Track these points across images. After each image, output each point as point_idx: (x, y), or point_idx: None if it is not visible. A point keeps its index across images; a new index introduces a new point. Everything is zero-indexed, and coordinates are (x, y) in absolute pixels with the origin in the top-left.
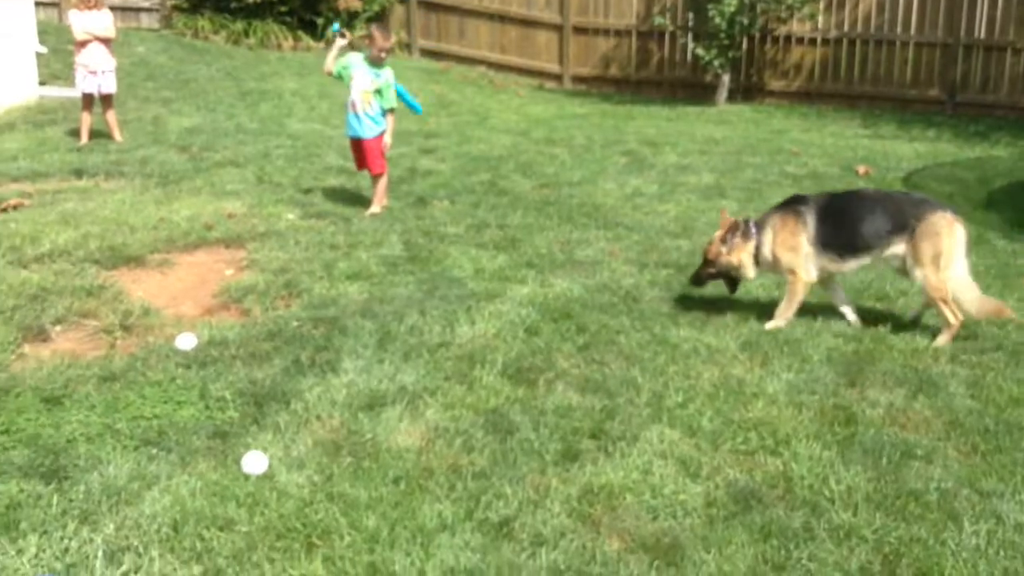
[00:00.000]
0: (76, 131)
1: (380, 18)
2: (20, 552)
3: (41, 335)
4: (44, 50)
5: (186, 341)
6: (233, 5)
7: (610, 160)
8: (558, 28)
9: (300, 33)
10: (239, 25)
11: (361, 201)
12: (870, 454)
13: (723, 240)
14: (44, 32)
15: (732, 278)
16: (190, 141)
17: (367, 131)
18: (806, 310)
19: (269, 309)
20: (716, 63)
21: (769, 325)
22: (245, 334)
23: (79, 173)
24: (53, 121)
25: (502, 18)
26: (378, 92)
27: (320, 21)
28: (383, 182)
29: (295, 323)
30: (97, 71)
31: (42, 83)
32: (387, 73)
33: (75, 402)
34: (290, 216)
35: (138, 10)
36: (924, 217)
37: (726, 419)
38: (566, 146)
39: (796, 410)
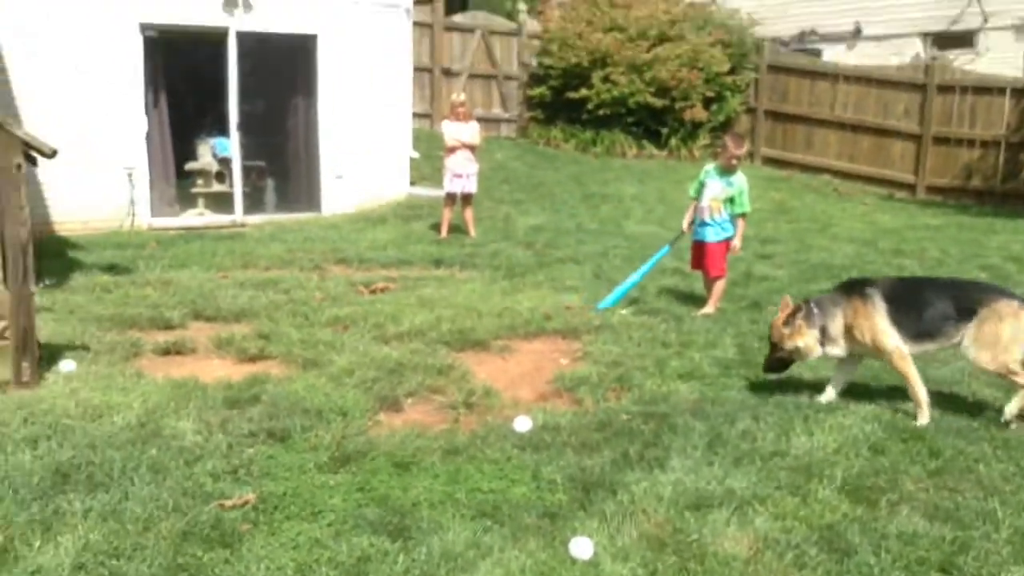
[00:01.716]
0: (438, 226)
1: (724, 128)
2: None
3: (395, 405)
4: (416, 155)
5: (522, 424)
6: (584, 116)
7: (967, 274)
8: (916, 138)
9: (645, 142)
10: (588, 134)
11: (693, 301)
12: None
13: (785, 323)
14: (417, 139)
15: (791, 360)
16: (535, 238)
17: (711, 235)
18: None
19: (600, 400)
20: None
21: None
22: (577, 422)
23: (438, 263)
24: (419, 216)
25: (854, 127)
26: (730, 200)
27: (664, 131)
28: (720, 285)
29: (625, 416)
30: (462, 174)
31: (412, 183)
32: (739, 179)
33: (422, 469)
34: (624, 312)
35: (499, 121)
36: (988, 303)
37: None
38: (916, 258)
39: None
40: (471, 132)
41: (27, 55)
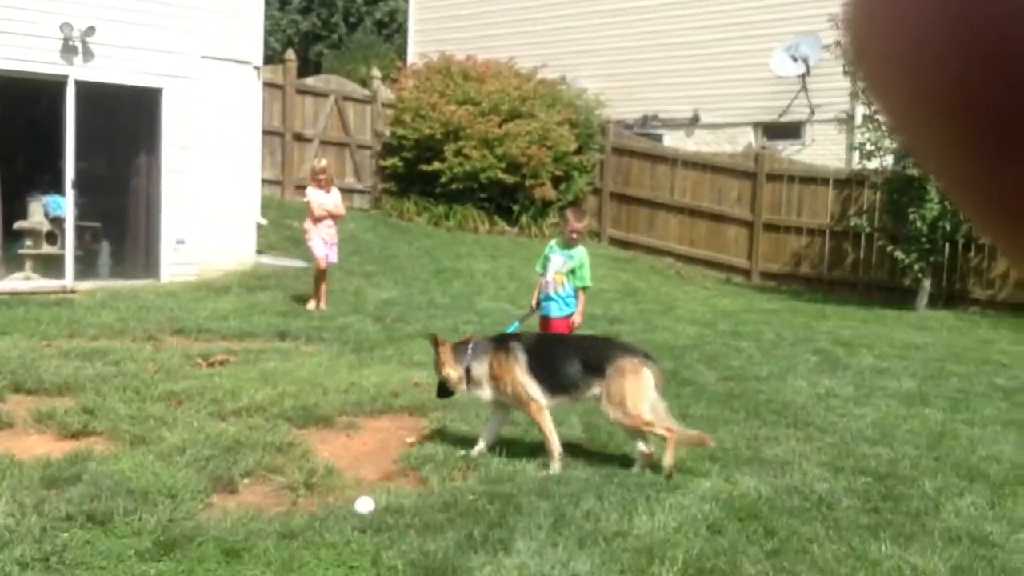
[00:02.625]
0: (305, 298)
1: (576, 206)
2: None
3: (229, 486)
4: (264, 222)
5: (364, 505)
6: (437, 190)
7: (800, 358)
8: (748, 224)
9: (496, 218)
10: (441, 208)
11: None
12: None
13: (440, 354)
14: (266, 206)
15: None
16: (385, 312)
17: (555, 310)
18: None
19: (446, 479)
20: (916, 267)
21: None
22: (421, 503)
23: (283, 335)
24: (265, 287)
25: (692, 212)
26: (571, 272)
27: (515, 208)
28: None
29: (471, 496)
30: (330, 242)
31: (259, 251)
32: (579, 252)
33: (253, 556)
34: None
35: (352, 191)
36: (613, 360)
37: None
38: (754, 340)
39: None
40: (334, 200)
41: None
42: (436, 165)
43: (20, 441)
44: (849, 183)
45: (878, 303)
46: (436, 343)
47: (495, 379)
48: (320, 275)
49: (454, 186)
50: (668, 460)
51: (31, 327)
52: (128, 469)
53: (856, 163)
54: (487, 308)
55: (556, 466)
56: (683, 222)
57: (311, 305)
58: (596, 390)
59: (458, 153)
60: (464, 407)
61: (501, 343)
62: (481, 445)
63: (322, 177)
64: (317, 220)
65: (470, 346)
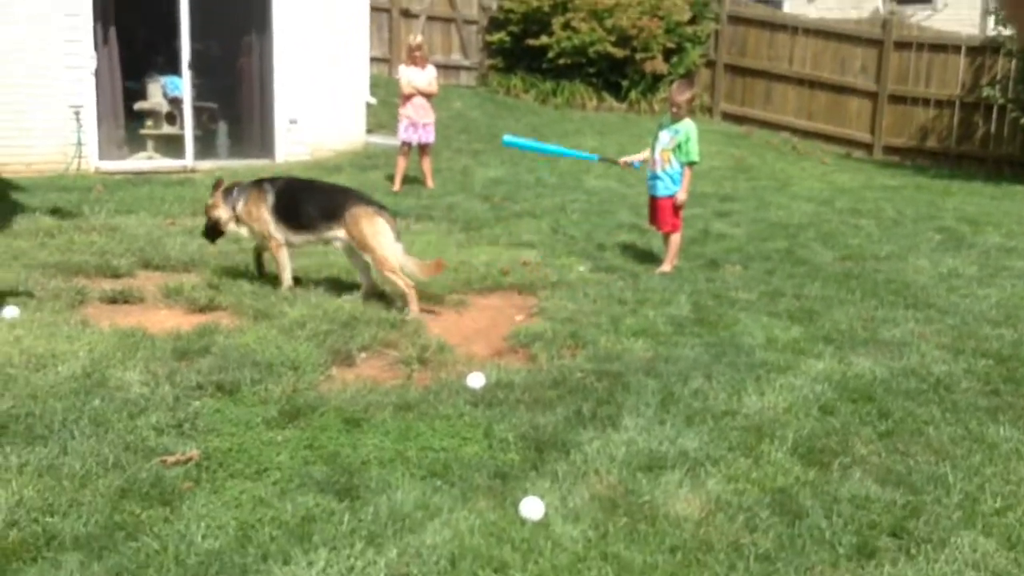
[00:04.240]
0: (393, 176)
1: (687, 79)
2: (310, 564)
3: (348, 360)
4: (374, 101)
5: (476, 380)
6: (544, 66)
7: (923, 236)
8: (872, 96)
9: (604, 94)
10: (548, 85)
11: (651, 259)
12: None
13: (211, 196)
14: (375, 85)
15: (220, 231)
16: (493, 191)
17: (662, 189)
18: None
19: (555, 357)
20: None
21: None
22: (531, 379)
23: (392, 214)
24: (375, 166)
25: (812, 83)
26: (677, 147)
27: (624, 83)
28: (675, 241)
29: (579, 374)
30: (418, 123)
31: (369, 131)
32: (685, 126)
33: (372, 426)
34: (581, 268)
35: (459, 68)
36: (350, 207)
37: None
38: (873, 218)
39: None
40: (428, 78)
41: None
42: (543, 39)
43: (151, 315)
44: (983, 51)
45: (1008, 179)
46: (216, 187)
47: (248, 217)
48: (403, 154)
49: (561, 61)
50: (413, 309)
51: (156, 205)
52: (253, 342)
53: (991, 29)
54: (595, 187)
55: (284, 288)
56: (801, 94)
57: (395, 186)
58: (334, 233)
59: (566, 26)
60: (573, 286)
61: (256, 186)
62: (357, 293)
63: (417, 54)
64: (407, 98)
65: (235, 190)
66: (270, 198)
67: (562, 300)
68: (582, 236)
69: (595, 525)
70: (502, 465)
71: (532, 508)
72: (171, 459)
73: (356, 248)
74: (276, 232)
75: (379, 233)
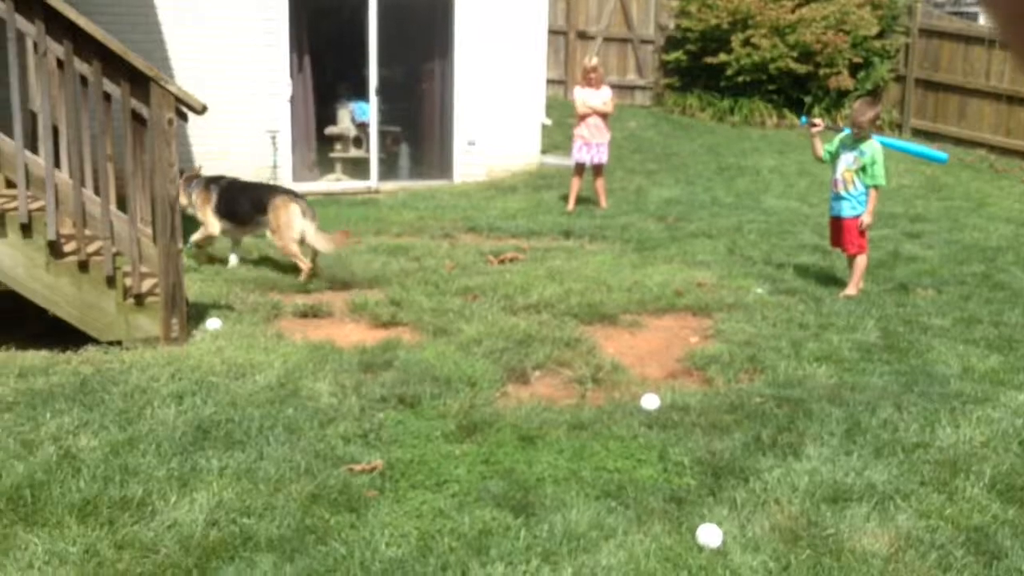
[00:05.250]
0: (566, 196)
1: (872, 96)
2: None
3: (522, 377)
4: (549, 123)
5: (650, 401)
6: (722, 83)
7: None
8: None
9: (785, 111)
10: (725, 103)
11: (835, 282)
12: None
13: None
14: (550, 107)
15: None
16: (667, 211)
17: (847, 210)
18: None
19: (732, 381)
20: None
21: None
22: (707, 403)
23: (567, 234)
24: (549, 186)
25: (1010, 99)
26: (861, 169)
27: (808, 100)
28: (861, 263)
29: (758, 399)
30: (592, 143)
31: (543, 151)
32: (870, 148)
33: (547, 444)
34: (759, 290)
35: (634, 88)
36: (272, 199)
37: None
38: None
39: None
40: (603, 98)
41: (177, 20)
42: (722, 57)
43: (339, 328)
44: None
45: None
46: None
47: (197, 206)
48: (576, 173)
49: (740, 78)
50: (304, 275)
51: (342, 224)
52: (432, 357)
53: None
54: (773, 206)
55: (234, 263)
56: (999, 110)
57: (569, 206)
58: (261, 224)
59: (746, 43)
60: (750, 309)
61: (206, 182)
62: (233, 261)
63: (592, 76)
64: (582, 118)
65: (193, 181)
66: (212, 196)
67: (739, 323)
68: (760, 257)
69: (776, 556)
70: (677, 489)
71: (710, 535)
72: (358, 468)
73: (271, 234)
74: (211, 222)
75: (292, 220)
